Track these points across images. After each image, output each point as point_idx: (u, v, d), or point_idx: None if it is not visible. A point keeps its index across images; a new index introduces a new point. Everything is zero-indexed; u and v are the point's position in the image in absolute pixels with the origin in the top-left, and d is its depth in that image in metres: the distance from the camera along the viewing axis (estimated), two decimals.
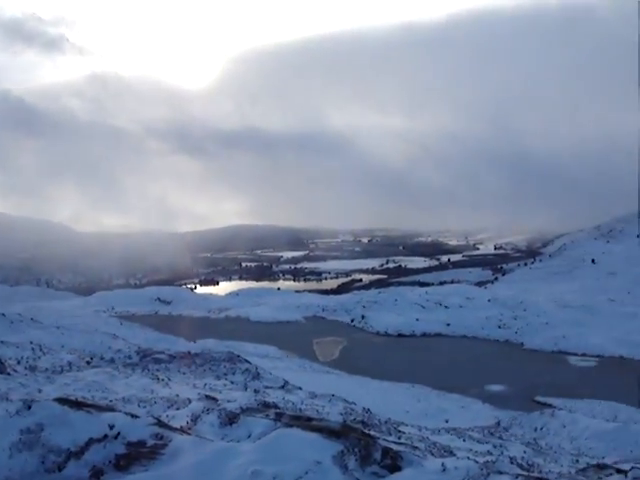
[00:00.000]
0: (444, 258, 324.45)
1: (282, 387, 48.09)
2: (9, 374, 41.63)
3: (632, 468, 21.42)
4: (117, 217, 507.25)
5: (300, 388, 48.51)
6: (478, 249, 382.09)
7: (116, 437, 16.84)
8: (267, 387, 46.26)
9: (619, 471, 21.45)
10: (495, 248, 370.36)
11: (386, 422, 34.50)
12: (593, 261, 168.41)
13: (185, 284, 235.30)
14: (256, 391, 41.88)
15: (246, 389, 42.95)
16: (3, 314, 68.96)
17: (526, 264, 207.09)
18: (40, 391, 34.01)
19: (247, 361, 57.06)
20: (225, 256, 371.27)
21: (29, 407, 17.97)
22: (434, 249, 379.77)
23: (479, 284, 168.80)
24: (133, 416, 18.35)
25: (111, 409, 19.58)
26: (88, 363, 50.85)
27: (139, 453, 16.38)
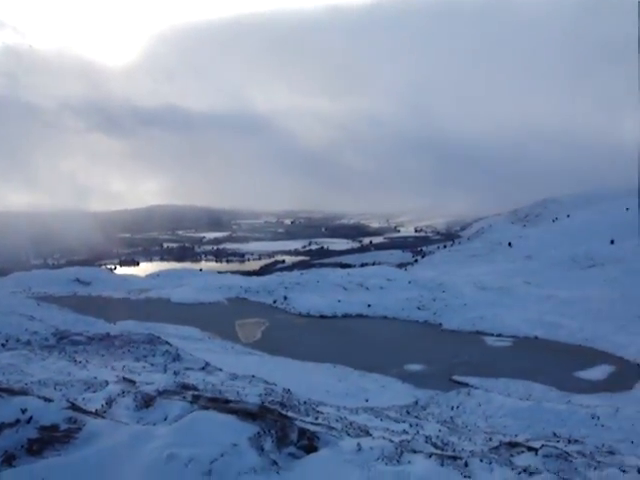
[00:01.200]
0: (366, 240, 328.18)
1: (203, 369, 47.88)
2: None
3: (542, 446, 22.24)
4: (31, 196, 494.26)
5: (221, 369, 48.38)
6: (399, 232, 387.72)
7: (28, 421, 16.53)
8: (187, 369, 46.00)
9: (530, 449, 22.24)
10: (415, 231, 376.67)
11: (305, 403, 34.75)
12: (510, 244, 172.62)
13: (105, 265, 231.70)
14: (176, 373, 41.66)
15: (166, 371, 42.68)
16: None
17: (445, 247, 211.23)
18: None
19: (167, 343, 56.60)
20: (145, 236, 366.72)
21: None
22: (356, 231, 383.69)
23: (400, 266, 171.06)
24: (46, 400, 18.02)
25: (24, 393, 19.20)
26: (3, 345, 49.61)
27: (52, 437, 16.12)
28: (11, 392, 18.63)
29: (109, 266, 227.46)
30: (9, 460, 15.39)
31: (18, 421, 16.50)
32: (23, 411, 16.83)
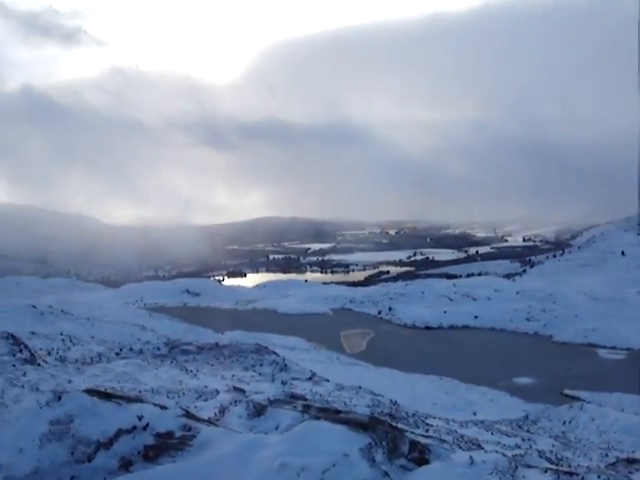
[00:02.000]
0: (472, 250, 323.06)
1: (309, 379, 48.07)
2: (39, 365, 42.09)
3: None
4: (140, 210, 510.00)
5: (327, 380, 48.45)
6: (506, 241, 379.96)
7: (145, 428, 16.97)
8: (294, 379, 46.28)
9: None
10: (523, 240, 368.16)
11: (413, 415, 34.39)
12: (623, 253, 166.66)
13: (213, 276, 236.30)
14: (284, 383, 41.98)
15: (274, 381, 43.07)
16: (34, 306, 69.72)
17: (555, 256, 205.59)
18: (70, 382, 34.34)
19: (275, 353, 57.13)
20: (252, 248, 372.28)
21: (59, 398, 18.16)
22: (462, 241, 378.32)
23: (507, 276, 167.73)
24: (162, 407, 18.47)
25: (140, 400, 19.72)
26: (117, 354, 51.27)
27: (167, 444, 16.49)
28: (127, 399, 19.18)
29: (217, 277, 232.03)
30: (126, 466, 15.84)
31: (135, 428, 16.97)
32: (140, 418, 17.30)
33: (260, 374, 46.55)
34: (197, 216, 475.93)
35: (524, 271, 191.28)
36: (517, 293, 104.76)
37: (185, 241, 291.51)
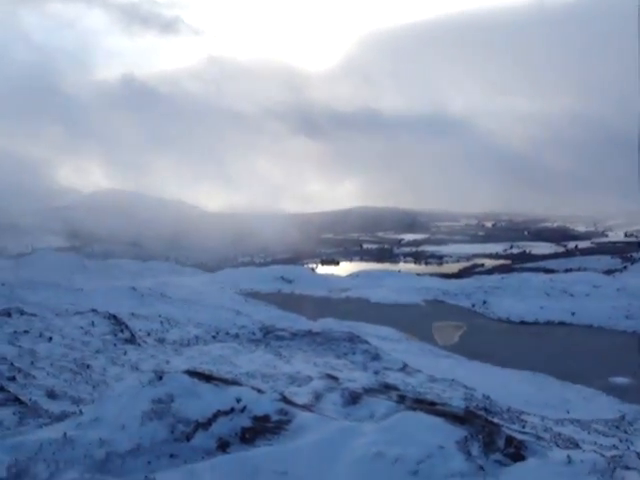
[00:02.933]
0: (571, 244, 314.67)
1: (401, 369, 48.06)
2: (139, 345, 43.54)
3: None
4: (236, 197, 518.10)
5: (420, 371, 48.34)
6: (607, 236, 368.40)
7: (242, 410, 17.35)
8: (386, 368, 46.39)
9: None
10: (625, 235, 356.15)
11: (507, 410, 33.99)
12: None
13: (307, 264, 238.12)
14: (376, 372, 42.15)
15: (366, 369, 43.27)
16: (134, 288, 72.03)
17: None
18: (168, 362, 35.43)
19: (367, 342, 57.32)
20: (346, 237, 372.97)
21: (160, 378, 18.74)
22: (560, 235, 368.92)
23: (607, 272, 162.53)
24: (259, 391, 18.84)
25: (237, 383, 20.16)
26: (214, 337, 52.49)
27: (264, 427, 16.82)
28: (225, 382, 19.64)
29: (311, 265, 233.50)
30: (223, 447, 16.25)
31: (233, 410, 17.38)
32: (238, 400, 17.70)
33: (352, 362, 46.85)
34: (290, 204, 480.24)
35: (625, 267, 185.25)
36: (617, 290, 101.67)
37: (278, 229, 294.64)
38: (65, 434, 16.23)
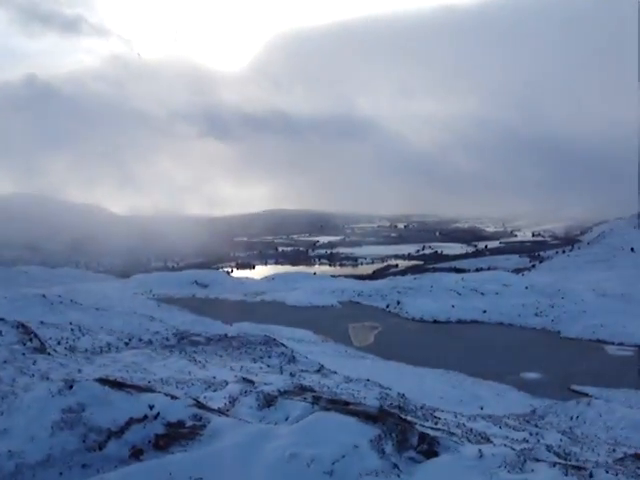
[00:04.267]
0: (481, 244, 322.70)
1: (318, 371, 48.25)
2: (49, 354, 42.31)
3: None
4: (144, 201, 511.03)
5: (335, 372, 48.62)
6: (515, 236, 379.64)
7: (156, 417, 17.09)
8: (303, 371, 46.45)
9: None
10: (533, 235, 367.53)
11: (422, 408, 34.49)
12: (632, 249, 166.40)
13: (222, 267, 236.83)
14: (292, 374, 42.12)
15: (282, 372, 43.21)
16: (44, 295, 70.01)
17: (564, 252, 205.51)
18: (80, 371, 34.56)
19: (283, 345, 57.35)
20: (261, 240, 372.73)
21: (70, 387, 18.28)
22: (471, 235, 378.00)
23: (516, 271, 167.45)
24: (172, 397, 18.60)
25: (150, 390, 19.86)
26: (126, 344, 51.49)
27: (178, 433, 16.61)
28: (138, 389, 19.32)
29: (226, 269, 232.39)
30: (137, 454, 15.97)
31: (146, 417, 17.09)
32: (151, 407, 17.43)
33: (268, 365, 46.74)
34: (200, 207, 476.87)
35: (533, 266, 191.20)
36: (526, 288, 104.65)
37: (189, 232, 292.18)
38: None
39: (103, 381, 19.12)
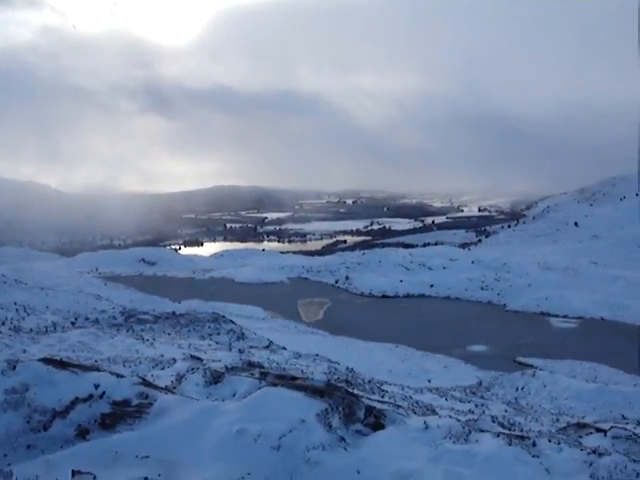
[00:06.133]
0: (428, 220, 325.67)
1: (267, 347, 48.32)
2: None
3: (611, 427, 21.83)
4: (89, 177, 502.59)
5: (284, 348, 48.75)
6: (462, 211, 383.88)
7: (101, 396, 16.95)
8: (252, 347, 46.48)
9: (599, 430, 21.85)
10: (479, 210, 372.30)
11: (369, 381, 34.83)
12: (576, 224, 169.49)
13: (169, 245, 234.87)
14: (241, 351, 42.11)
15: (231, 349, 43.17)
16: None
17: (510, 226, 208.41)
18: (25, 351, 34.03)
19: (232, 321, 57.23)
20: (209, 217, 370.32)
21: (14, 367, 18.00)
22: (418, 211, 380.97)
23: (463, 246, 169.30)
24: (118, 376, 18.44)
25: (96, 369, 19.65)
26: (73, 324, 50.83)
27: (124, 412, 16.51)
28: (83, 368, 19.10)
29: (174, 246, 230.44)
30: (83, 434, 15.84)
31: (91, 396, 16.94)
32: (96, 386, 17.26)
33: (217, 343, 46.63)
34: (143, 184, 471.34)
35: (479, 241, 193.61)
36: (472, 262, 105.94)
37: (136, 210, 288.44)
38: None
39: (47, 361, 18.86)
